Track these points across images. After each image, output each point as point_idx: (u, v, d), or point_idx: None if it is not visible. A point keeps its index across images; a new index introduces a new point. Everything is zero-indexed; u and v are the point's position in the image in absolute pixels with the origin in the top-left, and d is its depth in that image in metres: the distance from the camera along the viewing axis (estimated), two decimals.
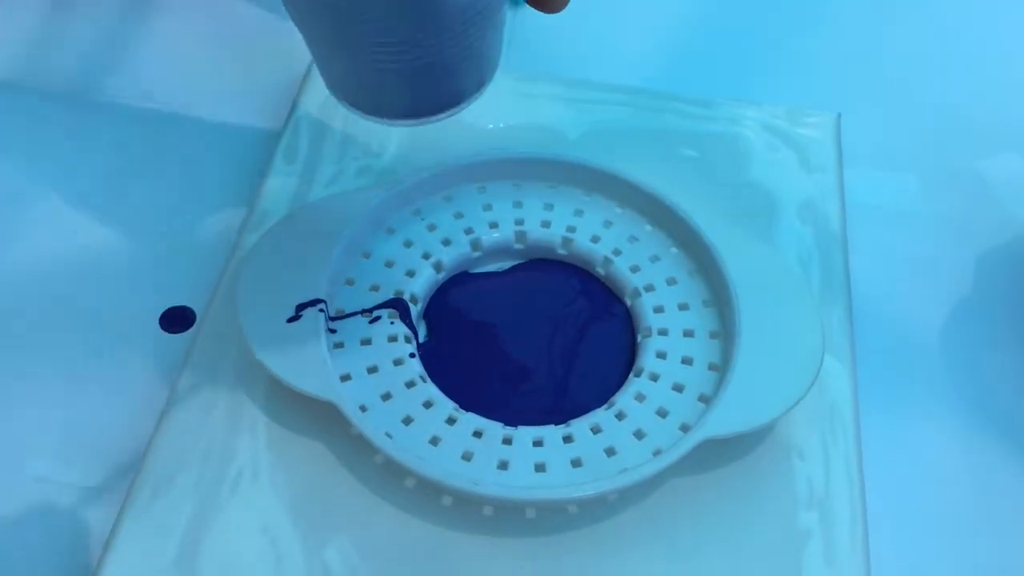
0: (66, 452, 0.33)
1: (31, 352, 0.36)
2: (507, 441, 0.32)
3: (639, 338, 0.35)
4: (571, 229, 0.38)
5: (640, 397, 0.33)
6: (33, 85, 0.44)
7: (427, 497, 0.32)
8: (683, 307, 0.36)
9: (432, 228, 0.37)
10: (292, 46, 0.45)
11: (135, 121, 0.43)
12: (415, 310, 0.35)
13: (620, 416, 0.33)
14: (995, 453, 0.35)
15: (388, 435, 0.32)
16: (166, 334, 0.36)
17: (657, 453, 0.32)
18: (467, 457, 0.32)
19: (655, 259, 0.37)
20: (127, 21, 0.47)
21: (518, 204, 0.38)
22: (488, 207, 0.38)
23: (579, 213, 0.38)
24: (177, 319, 0.37)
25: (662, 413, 0.33)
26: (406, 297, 0.35)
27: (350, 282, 0.36)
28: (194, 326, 0.36)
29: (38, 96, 0.44)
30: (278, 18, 0.48)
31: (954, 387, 0.36)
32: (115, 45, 0.46)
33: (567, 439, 0.32)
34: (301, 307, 0.34)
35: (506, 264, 0.38)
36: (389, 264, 0.36)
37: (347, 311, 0.35)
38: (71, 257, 0.38)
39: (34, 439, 0.34)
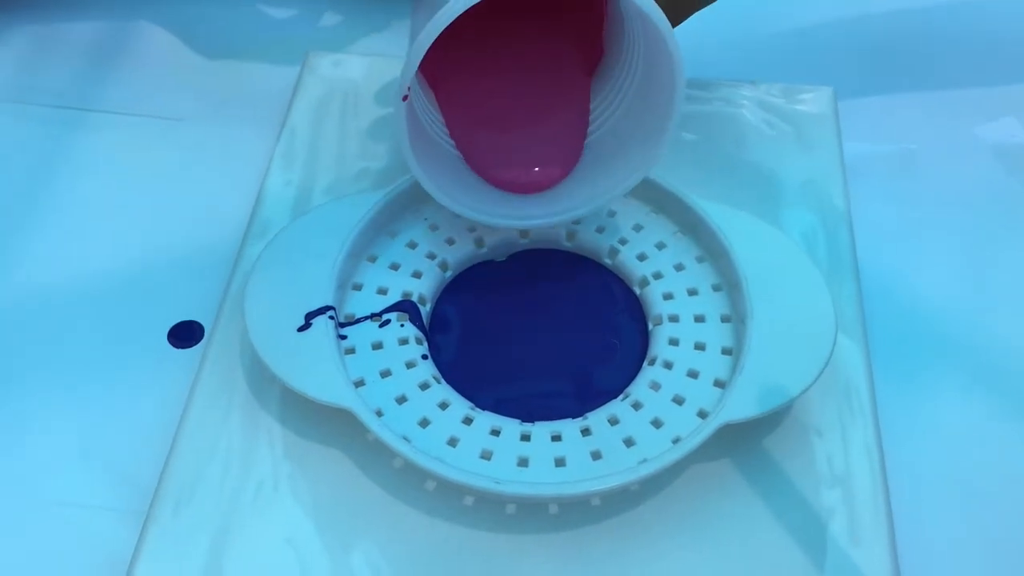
0: (83, 474, 0.33)
1: (41, 375, 0.35)
2: (525, 438, 0.32)
3: (650, 326, 0.35)
4: (575, 221, 0.37)
5: (655, 386, 0.33)
6: (28, 101, 0.44)
7: (449, 498, 0.32)
8: (692, 293, 0.36)
9: (435, 228, 0.37)
10: (283, 53, 0.46)
11: (129, 134, 0.43)
12: (424, 311, 0.35)
13: (636, 406, 0.33)
14: (1015, 420, 0.35)
15: (406, 439, 0.32)
16: (175, 349, 0.36)
17: (676, 441, 0.32)
18: (486, 456, 0.32)
19: (661, 246, 0.37)
20: (119, 34, 0.47)
21: None
22: None
23: None
24: (186, 334, 0.37)
25: (678, 400, 0.33)
26: (414, 298, 0.35)
27: (357, 287, 0.36)
28: (203, 340, 0.36)
29: (34, 112, 0.44)
30: (267, 25, 0.47)
31: (969, 356, 0.36)
32: (108, 58, 0.46)
33: (585, 432, 0.32)
34: (310, 315, 0.33)
35: None
36: (395, 267, 0.36)
37: (356, 316, 0.35)
38: (74, 277, 0.38)
39: (49, 462, 0.33)
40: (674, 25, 0.36)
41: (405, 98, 0.31)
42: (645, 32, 0.33)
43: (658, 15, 0.31)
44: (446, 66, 0.35)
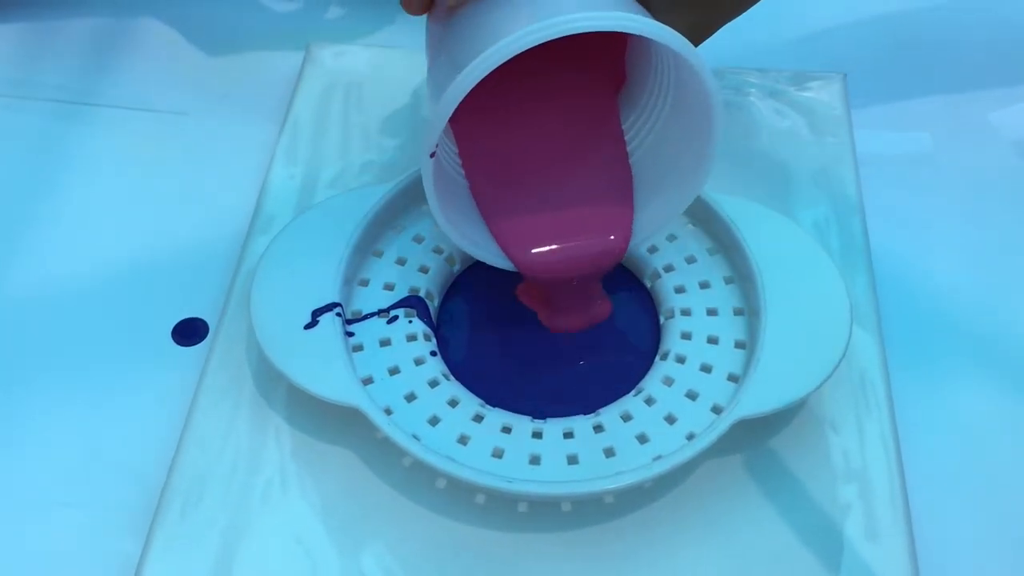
0: (88, 474, 0.33)
1: (42, 375, 0.35)
2: (537, 435, 0.32)
3: (662, 320, 0.35)
4: None
5: (668, 380, 0.33)
6: (29, 96, 0.43)
7: (459, 497, 0.31)
8: (704, 285, 0.35)
9: None
10: (286, 46, 0.45)
11: (131, 129, 0.42)
12: (432, 306, 0.35)
13: (649, 401, 0.32)
14: None
15: (415, 437, 0.31)
16: (180, 347, 0.36)
17: (691, 437, 0.31)
18: (498, 454, 0.31)
19: (672, 238, 0.36)
20: (122, 28, 0.46)
21: None
22: None
23: None
24: (190, 331, 0.36)
25: (692, 396, 0.32)
26: (422, 294, 0.35)
27: (364, 283, 0.35)
28: (208, 337, 0.36)
29: (35, 107, 0.43)
30: (270, 18, 0.47)
31: (984, 346, 0.36)
32: (110, 52, 0.45)
33: (598, 428, 0.32)
34: (317, 312, 0.33)
35: None
36: (401, 261, 0.36)
37: (364, 312, 0.34)
38: (74, 274, 0.38)
39: (54, 463, 0.33)
40: (700, 42, 0.34)
41: (432, 155, 0.30)
42: (677, 64, 0.31)
43: (695, 57, 0.29)
44: (465, 103, 0.30)
